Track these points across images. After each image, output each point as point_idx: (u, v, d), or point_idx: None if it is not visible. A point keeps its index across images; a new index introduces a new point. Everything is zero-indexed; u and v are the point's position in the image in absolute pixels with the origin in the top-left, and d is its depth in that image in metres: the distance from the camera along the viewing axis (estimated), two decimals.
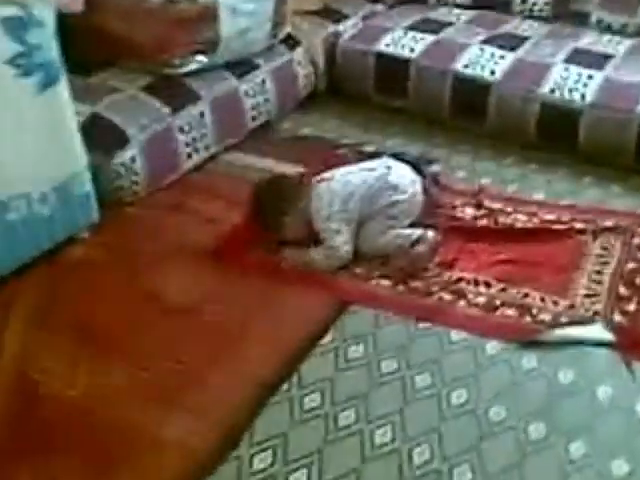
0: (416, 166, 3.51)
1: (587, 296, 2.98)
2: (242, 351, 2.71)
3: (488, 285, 3.05)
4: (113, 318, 2.86)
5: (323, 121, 4.29)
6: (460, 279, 3.08)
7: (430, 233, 3.15)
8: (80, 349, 2.71)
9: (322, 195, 3.17)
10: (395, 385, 2.61)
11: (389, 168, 3.26)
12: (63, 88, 2.99)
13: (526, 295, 2.99)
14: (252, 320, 2.85)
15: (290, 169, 3.69)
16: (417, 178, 3.31)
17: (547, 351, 2.73)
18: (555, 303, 2.95)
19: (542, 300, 2.96)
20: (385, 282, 3.08)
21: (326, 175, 3.27)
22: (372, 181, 3.20)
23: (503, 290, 3.02)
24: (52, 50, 2.92)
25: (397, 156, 3.63)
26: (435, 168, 3.79)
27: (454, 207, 3.52)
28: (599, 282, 3.05)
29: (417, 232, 3.15)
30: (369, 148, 3.98)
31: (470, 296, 2.99)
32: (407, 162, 3.46)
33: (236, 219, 3.32)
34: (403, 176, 3.27)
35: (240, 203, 3.29)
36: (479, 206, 3.51)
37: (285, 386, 2.58)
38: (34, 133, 2.92)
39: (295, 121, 4.29)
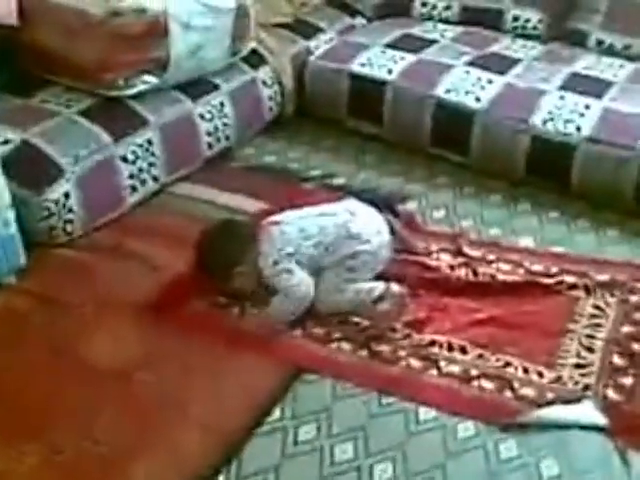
0: (388, 205, 3.31)
1: (577, 366, 2.71)
2: (173, 432, 2.43)
3: (464, 350, 2.78)
4: (30, 385, 2.59)
5: (289, 148, 4.02)
6: (432, 342, 2.81)
7: (395, 287, 2.88)
8: None
9: (273, 239, 2.91)
10: (351, 476, 2.33)
11: (352, 214, 3.00)
12: None
13: (507, 364, 2.72)
14: (188, 392, 2.57)
15: (248, 205, 3.46)
16: (385, 228, 3.06)
17: (529, 435, 2.46)
18: (540, 374, 2.68)
19: (525, 371, 2.70)
20: (346, 346, 2.80)
21: (279, 217, 3.01)
22: (332, 228, 2.94)
23: (480, 357, 2.75)
24: None
25: (367, 193, 3.47)
26: (410, 206, 3.52)
27: (429, 253, 3.26)
28: (591, 349, 2.78)
29: (380, 286, 2.89)
30: (338, 181, 3.75)
31: (442, 363, 2.72)
32: (378, 201, 3.25)
33: (180, 265, 3.05)
34: (368, 224, 3.00)
35: (187, 245, 3.01)
36: (457, 253, 3.25)
37: (221, 478, 2.29)
38: None
39: (258, 147, 4.01)
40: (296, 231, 2.92)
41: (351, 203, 3.10)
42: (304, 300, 2.86)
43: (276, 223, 2.96)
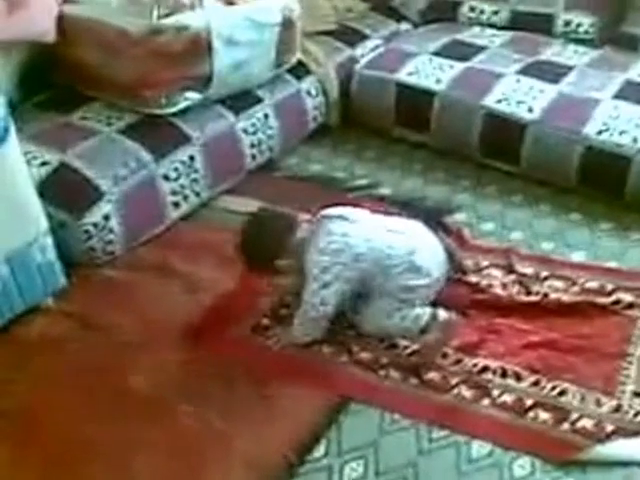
0: (436, 219, 3.18)
1: (637, 394, 2.54)
2: (216, 469, 2.31)
3: (518, 377, 2.63)
4: (67, 416, 2.48)
5: (334, 156, 3.89)
6: (484, 368, 2.66)
7: (443, 314, 2.70)
8: (22, 456, 2.34)
9: (332, 236, 2.67)
10: None
11: (419, 243, 2.77)
12: (11, 147, 2.60)
13: (563, 392, 2.56)
14: (231, 423, 2.44)
15: None
16: (444, 259, 2.85)
17: (590, 474, 2.30)
18: (598, 403, 2.52)
19: (582, 399, 2.53)
20: (394, 373, 2.65)
21: (345, 212, 2.77)
22: (396, 256, 2.69)
23: (535, 384, 2.60)
24: None
25: (413, 206, 3.36)
26: (458, 218, 3.37)
27: (480, 270, 3.11)
28: None
29: (427, 314, 2.69)
30: (384, 190, 3.61)
31: (495, 392, 2.57)
32: (425, 215, 3.10)
33: (223, 283, 2.97)
34: (431, 257, 2.77)
35: (230, 260, 2.89)
36: (509, 269, 3.08)
37: None
38: None
39: (303, 156, 3.89)
40: (362, 241, 2.68)
41: (418, 228, 2.86)
42: (314, 324, 2.69)
43: (342, 218, 2.72)
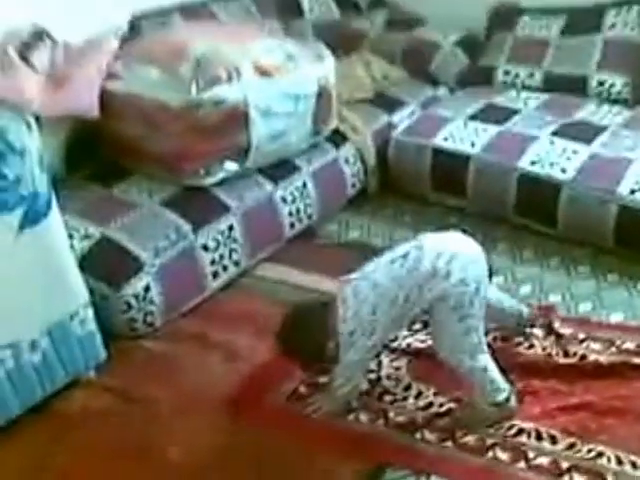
0: None
1: None
2: None
3: (553, 440, 2.60)
4: None
5: (373, 223, 3.92)
6: (520, 431, 2.63)
7: (514, 401, 2.69)
8: None
9: (347, 299, 2.64)
10: None
11: (420, 248, 2.62)
12: (53, 221, 2.67)
13: (599, 455, 2.52)
14: None
15: (331, 285, 3.27)
16: (464, 245, 2.67)
17: None
18: (634, 465, 2.48)
19: (619, 462, 2.49)
20: (430, 436, 2.65)
21: (353, 275, 2.75)
22: (405, 277, 2.59)
23: (571, 447, 2.56)
24: (37, 180, 2.59)
25: None
26: (496, 281, 3.34)
27: (523, 331, 3.09)
28: None
29: (507, 389, 2.67)
30: None
31: (531, 455, 2.55)
32: None
33: (263, 353, 2.98)
34: (441, 253, 2.57)
35: (271, 329, 2.87)
36: (549, 329, 3.07)
37: None
38: (20, 275, 2.60)
39: (342, 223, 3.93)
40: (370, 287, 2.61)
41: (421, 236, 2.73)
42: (343, 399, 2.72)
43: (349, 280, 2.69)
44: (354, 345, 2.62)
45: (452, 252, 2.58)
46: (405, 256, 2.63)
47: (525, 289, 3.37)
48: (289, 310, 2.81)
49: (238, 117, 3.34)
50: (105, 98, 3.36)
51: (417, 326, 3.08)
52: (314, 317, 2.72)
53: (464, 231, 2.77)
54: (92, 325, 2.87)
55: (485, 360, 2.64)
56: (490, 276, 3.16)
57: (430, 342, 2.90)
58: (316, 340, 2.68)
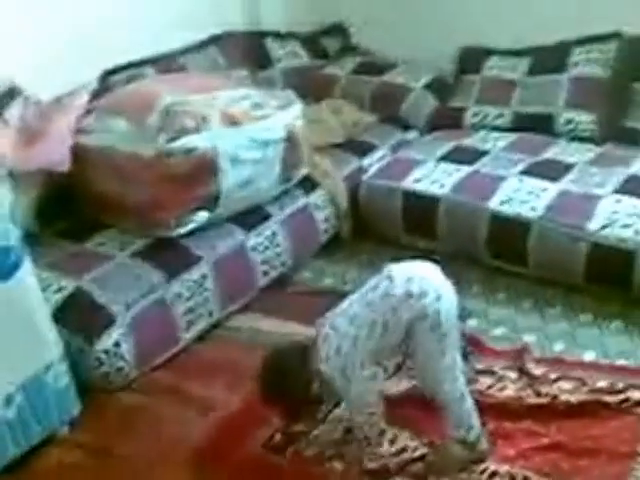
0: None
1: None
2: None
3: None
4: None
5: (347, 269, 3.91)
6: (494, 474, 2.62)
7: (485, 443, 2.68)
8: None
9: (329, 337, 2.63)
10: None
11: (390, 277, 2.63)
12: (25, 275, 2.68)
13: None
14: None
15: (306, 332, 3.26)
16: (430, 269, 2.69)
17: None
18: None
19: None
20: None
21: (329, 314, 2.73)
22: (379, 303, 2.60)
23: None
24: (8, 235, 2.60)
25: None
26: (470, 324, 3.35)
27: (493, 372, 3.09)
28: None
29: (478, 428, 2.66)
30: None
31: None
32: None
33: (237, 401, 2.99)
34: (411, 278, 2.60)
35: (245, 378, 2.95)
36: (521, 371, 3.06)
37: None
38: None
39: (316, 270, 3.92)
40: (348, 322, 2.62)
41: (387, 267, 2.72)
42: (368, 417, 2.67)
43: (325, 320, 2.70)
44: (351, 380, 2.60)
45: (422, 275, 2.62)
46: (376, 287, 2.65)
47: (499, 331, 3.37)
48: (268, 354, 2.79)
49: (207, 165, 3.35)
50: (77, 152, 3.40)
51: (390, 371, 3.05)
52: (295, 359, 2.70)
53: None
54: (66, 379, 2.86)
55: (463, 389, 2.63)
56: (467, 317, 3.18)
57: (403, 387, 2.91)
58: (300, 381, 2.67)
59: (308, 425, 2.85)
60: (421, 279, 2.60)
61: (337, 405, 2.93)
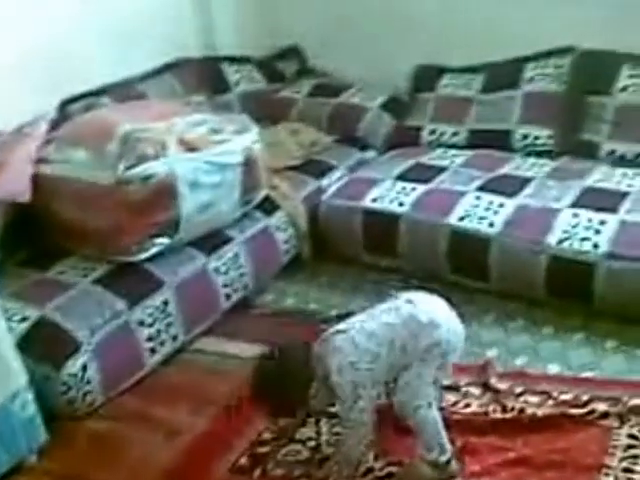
0: None
1: None
2: None
3: None
4: None
5: (309, 289, 3.89)
6: None
7: (455, 465, 2.66)
8: None
9: (343, 349, 2.62)
10: None
11: (413, 302, 2.71)
12: None
13: None
14: None
15: None
16: (448, 310, 2.76)
17: None
18: None
19: None
20: None
21: (341, 327, 2.72)
22: (400, 325, 2.65)
23: None
24: None
25: None
26: None
27: (457, 388, 3.08)
28: None
29: (450, 451, 2.65)
30: None
31: None
32: None
33: (203, 424, 2.98)
34: (433, 308, 2.71)
35: (210, 402, 2.99)
36: (485, 386, 3.06)
37: None
38: None
39: (278, 291, 3.89)
40: (367, 338, 2.63)
41: (406, 294, 2.80)
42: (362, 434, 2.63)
43: (342, 332, 2.68)
44: (361, 396, 2.59)
45: (440, 306, 2.74)
46: (398, 309, 2.69)
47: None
48: (271, 349, 2.75)
49: (166, 191, 3.34)
50: (37, 182, 3.39)
51: None
52: (299, 357, 2.67)
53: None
54: (33, 407, 2.83)
55: (438, 414, 2.63)
56: None
57: None
58: (302, 380, 2.64)
59: (272, 447, 2.83)
60: (441, 309, 2.72)
61: (303, 425, 2.92)
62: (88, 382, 3.04)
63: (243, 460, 2.84)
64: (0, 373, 2.71)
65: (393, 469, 2.72)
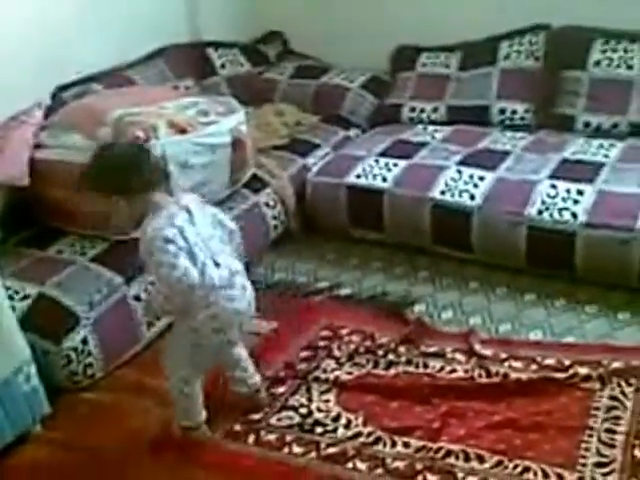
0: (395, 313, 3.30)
1: (598, 465, 2.47)
2: None
3: (481, 459, 2.56)
4: None
5: (297, 262, 3.84)
6: (449, 452, 2.59)
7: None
8: None
9: (172, 221, 2.52)
10: None
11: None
12: None
13: (526, 469, 2.49)
14: None
15: (263, 324, 3.31)
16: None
17: None
18: (560, 478, 2.45)
19: (545, 475, 2.46)
20: (361, 465, 2.61)
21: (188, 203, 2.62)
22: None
23: (498, 464, 2.53)
24: None
25: (375, 300, 3.42)
26: (418, 309, 3.36)
27: (443, 355, 3.07)
28: (611, 445, 2.54)
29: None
30: (345, 290, 3.59)
31: (460, 475, 2.51)
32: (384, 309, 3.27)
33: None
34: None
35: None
36: (470, 352, 3.03)
37: None
38: None
39: (268, 266, 3.84)
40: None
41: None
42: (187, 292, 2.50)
43: (188, 211, 2.58)
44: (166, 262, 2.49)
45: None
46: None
47: (447, 314, 3.34)
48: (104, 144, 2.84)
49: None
50: (34, 167, 3.38)
51: (343, 359, 3.04)
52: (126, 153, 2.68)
53: None
54: (36, 380, 2.82)
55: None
56: (412, 304, 3.15)
57: (357, 373, 2.90)
58: (111, 187, 2.60)
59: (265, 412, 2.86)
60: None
61: (295, 393, 2.92)
62: (88, 354, 3.03)
63: (237, 427, 2.81)
64: (4, 348, 2.70)
65: (381, 434, 2.68)
